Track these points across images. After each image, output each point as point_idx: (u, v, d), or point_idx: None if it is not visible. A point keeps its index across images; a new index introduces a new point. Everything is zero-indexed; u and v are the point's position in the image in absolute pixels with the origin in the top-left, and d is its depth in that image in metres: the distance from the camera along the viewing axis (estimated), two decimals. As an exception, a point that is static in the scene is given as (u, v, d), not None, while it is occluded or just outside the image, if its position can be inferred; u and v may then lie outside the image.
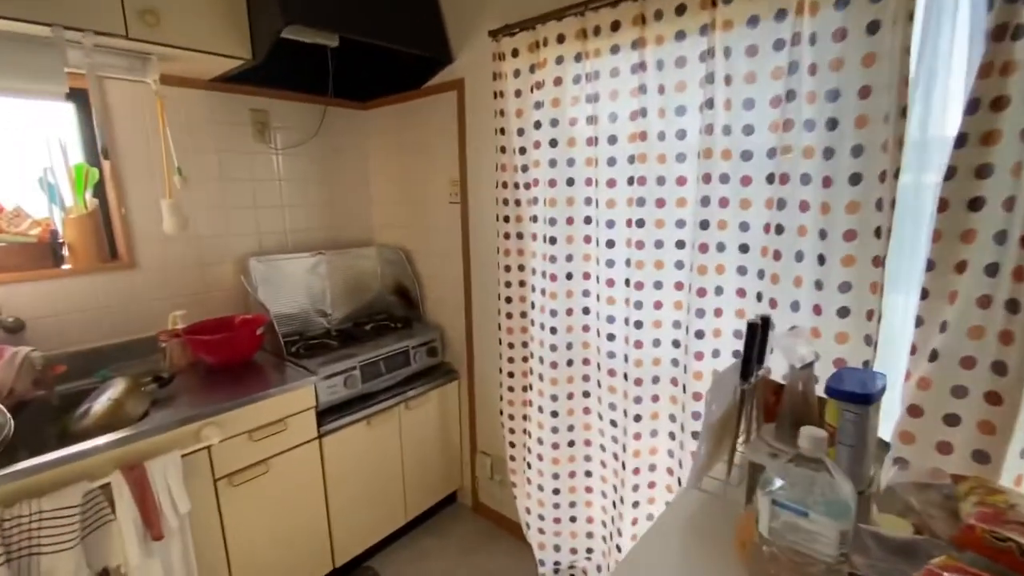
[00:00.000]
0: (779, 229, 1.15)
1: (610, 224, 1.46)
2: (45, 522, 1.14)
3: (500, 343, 1.86)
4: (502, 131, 1.69)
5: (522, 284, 1.78)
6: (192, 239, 1.90)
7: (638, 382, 1.47)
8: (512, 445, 1.93)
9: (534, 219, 1.63)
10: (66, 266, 1.66)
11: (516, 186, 1.71)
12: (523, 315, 1.80)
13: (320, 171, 2.26)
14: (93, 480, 1.23)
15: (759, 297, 1.23)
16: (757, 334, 0.89)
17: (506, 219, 1.75)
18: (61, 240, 1.65)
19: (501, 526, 2.20)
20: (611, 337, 1.53)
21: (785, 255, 1.15)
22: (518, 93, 1.61)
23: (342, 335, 2.11)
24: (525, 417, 1.86)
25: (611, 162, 1.43)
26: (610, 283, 1.49)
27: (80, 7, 1.28)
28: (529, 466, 1.80)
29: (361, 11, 1.65)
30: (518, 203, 1.72)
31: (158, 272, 1.83)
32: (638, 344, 1.45)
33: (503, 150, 1.70)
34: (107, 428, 1.37)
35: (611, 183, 1.44)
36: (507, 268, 1.78)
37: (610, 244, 1.47)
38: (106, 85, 1.63)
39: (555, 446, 1.71)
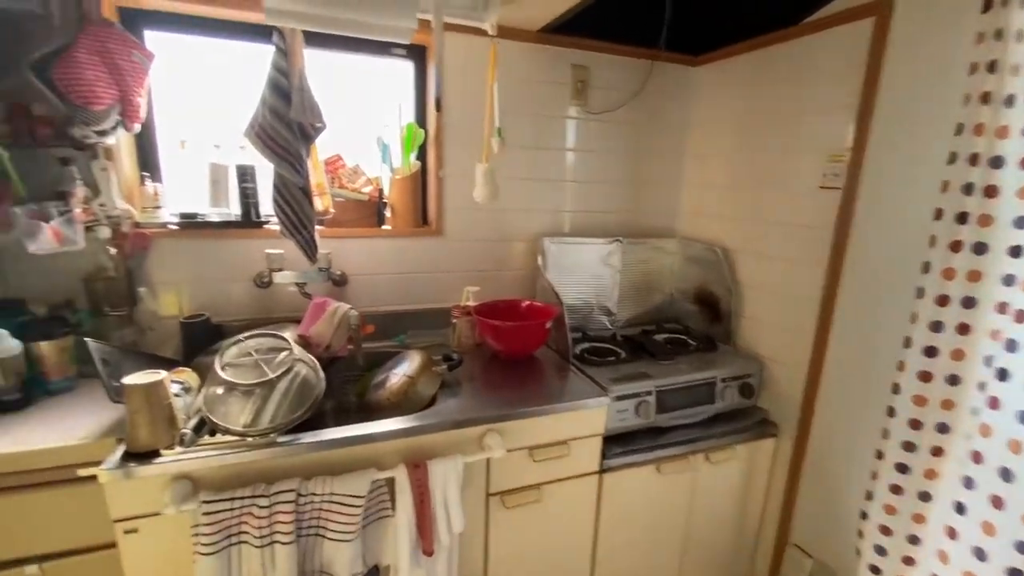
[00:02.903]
0: None
1: None
2: (334, 506, 1.03)
3: (892, 414, 1.17)
4: (991, 67, 0.98)
5: (964, 330, 1.05)
6: (495, 211, 1.74)
7: None
8: (876, 572, 1.24)
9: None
10: (386, 227, 1.66)
11: (997, 162, 0.98)
12: (953, 381, 1.07)
13: (631, 141, 1.87)
14: (380, 470, 1.09)
15: None
16: None
17: (961, 218, 1.04)
18: (385, 200, 1.65)
19: (810, 660, 1.52)
20: None
21: None
22: (1063, -10, 0.88)
23: (630, 343, 1.71)
24: (915, 540, 1.15)
25: None
26: None
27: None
28: (924, 629, 1.09)
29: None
30: (991, 192, 1.00)
31: (460, 243, 1.72)
32: None
33: (985, 99, 0.99)
34: (398, 407, 1.25)
35: None
36: (941, 300, 1.07)
37: None
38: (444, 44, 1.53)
39: (1005, 628, 0.96)
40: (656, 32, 1.71)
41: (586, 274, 1.84)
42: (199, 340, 1.39)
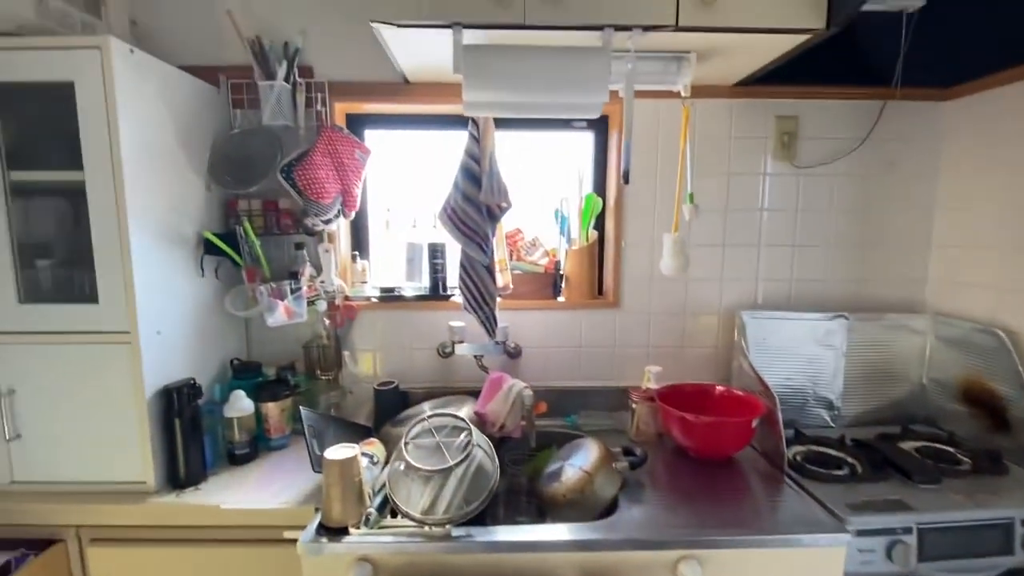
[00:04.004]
0: None
1: None
2: (506, 622, 0.92)
3: None
4: None
5: None
6: (679, 281, 1.56)
7: None
8: None
9: None
10: (561, 298, 1.60)
11: None
12: None
13: (854, 197, 1.54)
14: (556, 587, 0.95)
15: None
16: None
17: None
18: (561, 272, 1.60)
19: None
20: None
21: None
22: None
23: (865, 452, 1.32)
24: None
25: None
26: None
27: (630, 1, 1.06)
28: None
29: None
30: None
31: (639, 316, 1.58)
32: None
33: None
34: (573, 505, 1.12)
35: None
36: None
37: None
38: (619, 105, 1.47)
39: None
40: (888, 66, 1.43)
41: (798, 356, 1.51)
42: (388, 406, 1.46)
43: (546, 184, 1.65)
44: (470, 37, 1.09)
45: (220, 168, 1.36)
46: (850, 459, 1.29)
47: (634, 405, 1.42)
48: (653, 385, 1.43)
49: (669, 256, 1.31)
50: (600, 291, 1.63)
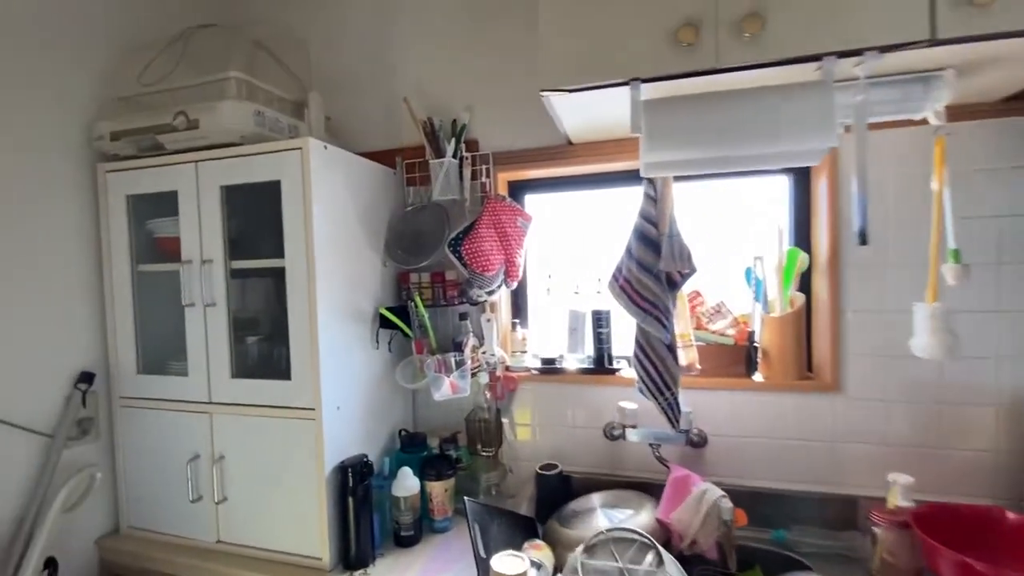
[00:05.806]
0: None
1: None
2: None
3: None
4: None
5: None
6: (924, 360, 1.18)
7: None
8: None
9: None
10: (757, 376, 1.32)
11: None
12: None
13: None
14: None
15: None
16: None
17: None
18: (756, 344, 1.33)
19: None
20: None
21: None
22: None
23: None
24: None
25: None
26: None
27: (858, 17, 0.83)
28: None
29: None
30: None
31: (869, 403, 1.22)
32: None
33: None
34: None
35: None
36: None
37: None
38: (842, 140, 1.19)
39: None
40: None
41: None
42: (552, 493, 1.32)
43: (730, 238, 1.41)
44: (649, 91, 0.97)
45: (394, 244, 1.42)
46: None
47: (876, 528, 1.07)
48: (903, 503, 1.06)
49: (927, 333, 0.97)
50: (810, 368, 1.31)
